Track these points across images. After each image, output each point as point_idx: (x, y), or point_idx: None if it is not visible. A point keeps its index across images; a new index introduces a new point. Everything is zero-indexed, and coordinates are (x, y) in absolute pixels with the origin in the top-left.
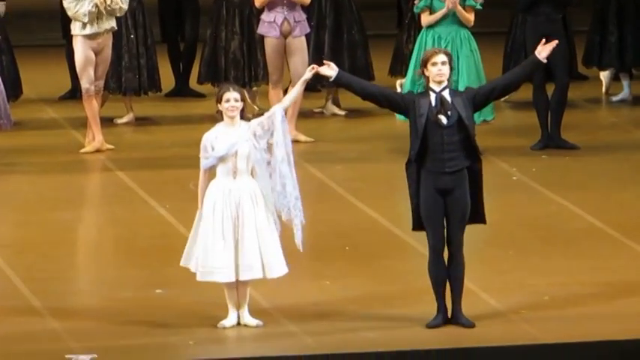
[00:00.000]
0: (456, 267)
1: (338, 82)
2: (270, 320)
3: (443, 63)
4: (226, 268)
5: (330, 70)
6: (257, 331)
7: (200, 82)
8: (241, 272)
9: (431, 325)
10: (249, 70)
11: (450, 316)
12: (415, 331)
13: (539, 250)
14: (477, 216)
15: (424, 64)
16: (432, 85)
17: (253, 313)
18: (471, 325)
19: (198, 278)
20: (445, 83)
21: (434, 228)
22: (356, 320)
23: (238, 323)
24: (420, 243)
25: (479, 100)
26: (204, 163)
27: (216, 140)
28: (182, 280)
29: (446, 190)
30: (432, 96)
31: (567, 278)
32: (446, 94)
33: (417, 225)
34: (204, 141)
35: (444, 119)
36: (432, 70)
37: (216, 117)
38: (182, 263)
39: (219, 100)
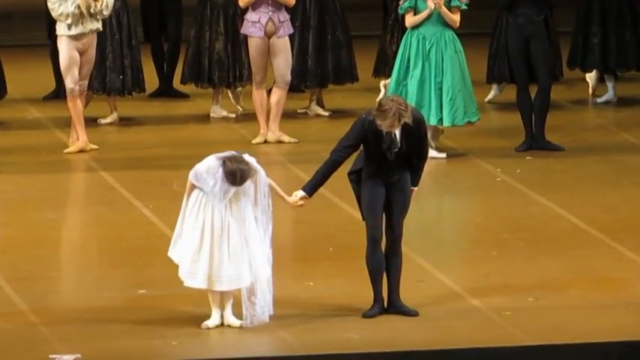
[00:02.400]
0: (394, 256)
1: (312, 194)
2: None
3: (395, 127)
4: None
5: (302, 200)
6: (240, 331)
7: (183, 82)
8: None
9: (367, 315)
10: (234, 71)
11: (387, 306)
12: (398, 331)
13: (523, 252)
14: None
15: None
16: None
17: (236, 313)
18: (415, 314)
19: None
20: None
21: (374, 218)
22: (340, 321)
23: (222, 324)
24: (404, 244)
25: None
26: (195, 182)
27: (217, 183)
28: (166, 281)
29: (389, 184)
30: (385, 133)
31: (551, 279)
32: (397, 131)
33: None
34: (204, 174)
35: (391, 155)
36: (382, 125)
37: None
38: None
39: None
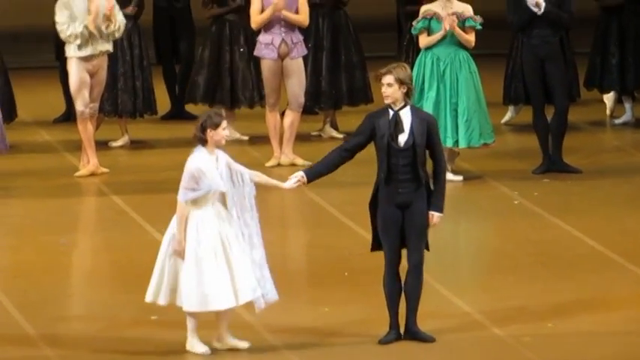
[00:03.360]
0: (414, 282)
1: (311, 180)
2: (266, 347)
3: (388, 85)
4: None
5: (300, 182)
6: (253, 356)
7: (195, 101)
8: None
9: (383, 342)
10: (259, 90)
11: (404, 332)
12: (415, 358)
13: (541, 276)
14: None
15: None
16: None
17: (248, 340)
18: (432, 340)
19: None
20: (403, 102)
21: (390, 241)
22: (355, 348)
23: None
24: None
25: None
26: (192, 195)
27: (206, 171)
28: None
29: (404, 203)
30: (390, 114)
31: (570, 304)
32: (404, 113)
33: (375, 245)
34: (195, 171)
35: (400, 142)
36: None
37: (194, 141)
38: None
39: (213, 127)
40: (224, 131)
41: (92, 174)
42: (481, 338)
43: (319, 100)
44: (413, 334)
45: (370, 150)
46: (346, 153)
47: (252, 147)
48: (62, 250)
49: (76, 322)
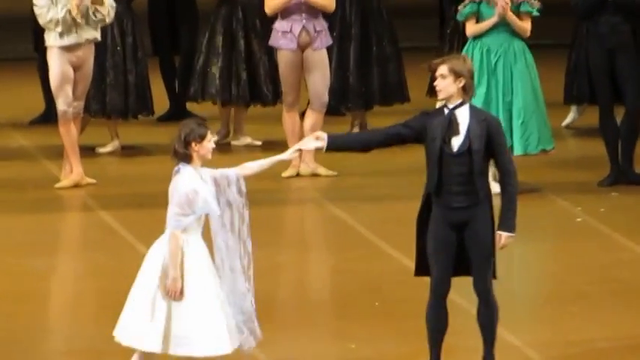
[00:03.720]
0: (486, 311)
1: (331, 149)
2: None
3: (441, 76)
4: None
5: (318, 141)
6: None
7: (200, 98)
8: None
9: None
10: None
11: None
12: None
13: (609, 307)
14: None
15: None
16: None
17: None
18: None
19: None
20: (460, 99)
21: (440, 267)
22: None
23: None
24: (464, 298)
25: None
26: (185, 222)
27: (200, 192)
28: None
29: (460, 222)
30: (445, 113)
31: None
32: (461, 112)
33: (421, 269)
34: (190, 193)
35: (453, 146)
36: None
37: (174, 158)
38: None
39: (198, 139)
40: (209, 143)
41: (76, 185)
42: None
43: (346, 99)
44: None
45: (406, 158)
46: (382, 137)
47: (266, 154)
48: (39, 275)
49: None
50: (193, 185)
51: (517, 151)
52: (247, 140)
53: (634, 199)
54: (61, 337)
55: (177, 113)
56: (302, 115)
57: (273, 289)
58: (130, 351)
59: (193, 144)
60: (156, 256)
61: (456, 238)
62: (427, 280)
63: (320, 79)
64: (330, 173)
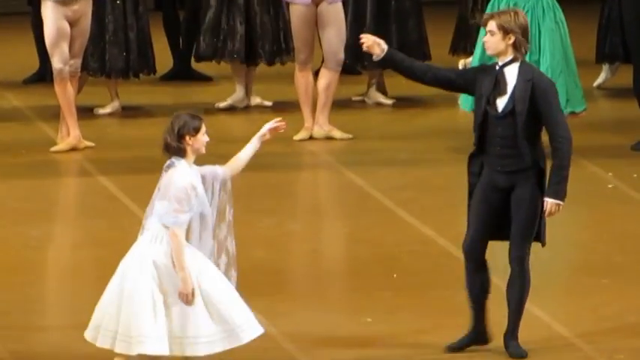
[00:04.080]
0: (513, 281)
1: (384, 63)
2: None
3: (490, 32)
4: None
5: (379, 47)
6: None
7: (200, 58)
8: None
9: (452, 347)
10: (283, 43)
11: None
12: None
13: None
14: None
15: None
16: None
17: (271, 355)
18: (522, 356)
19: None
20: (510, 56)
21: (472, 227)
22: None
23: None
24: (493, 270)
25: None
26: (183, 219)
27: (198, 187)
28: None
29: (505, 188)
30: (495, 71)
31: None
32: (510, 70)
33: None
34: (190, 188)
35: (498, 106)
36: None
37: (166, 152)
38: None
39: (192, 132)
40: (204, 137)
41: (73, 149)
42: (563, 354)
43: (362, 57)
44: (506, 346)
45: (426, 120)
46: (436, 75)
47: (277, 114)
48: (34, 245)
49: (51, 335)
50: (191, 180)
51: None
52: (257, 100)
53: None
54: (58, 310)
55: (181, 72)
56: (316, 74)
57: (284, 258)
58: None
59: (187, 137)
60: (142, 258)
61: (499, 201)
62: (449, 249)
63: (335, 36)
64: (344, 136)
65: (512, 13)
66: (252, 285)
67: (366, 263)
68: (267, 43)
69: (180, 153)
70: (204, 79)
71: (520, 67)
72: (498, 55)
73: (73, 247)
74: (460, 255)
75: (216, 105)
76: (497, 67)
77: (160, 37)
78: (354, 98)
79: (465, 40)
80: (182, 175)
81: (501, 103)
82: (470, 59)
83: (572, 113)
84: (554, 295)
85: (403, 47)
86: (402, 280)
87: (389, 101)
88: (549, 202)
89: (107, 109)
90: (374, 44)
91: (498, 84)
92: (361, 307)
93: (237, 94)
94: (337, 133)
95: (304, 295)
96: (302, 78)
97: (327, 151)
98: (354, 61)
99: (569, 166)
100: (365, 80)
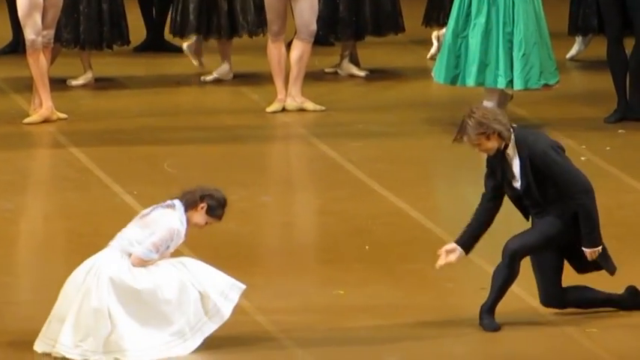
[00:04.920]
0: (499, 271)
1: (469, 251)
2: (265, 338)
3: (475, 146)
4: None
5: (455, 253)
6: (248, 350)
7: (176, 33)
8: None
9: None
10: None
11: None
12: (447, 353)
13: (613, 252)
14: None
15: None
16: None
17: (244, 329)
18: (494, 329)
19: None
20: (502, 144)
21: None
22: (376, 340)
23: None
24: (485, 260)
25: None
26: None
27: (180, 239)
28: None
29: None
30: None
31: None
32: (510, 153)
33: None
34: (176, 233)
35: (517, 187)
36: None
37: (181, 198)
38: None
39: (211, 214)
40: (209, 223)
41: (46, 120)
42: (538, 330)
43: (336, 29)
44: (480, 314)
45: (400, 92)
46: (490, 203)
47: (250, 88)
48: (7, 217)
49: (24, 307)
50: (181, 228)
51: (517, 85)
52: (232, 74)
53: None
54: (30, 283)
55: (154, 43)
56: (288, 45)
57: (256, 231)
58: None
59: (202, 206)
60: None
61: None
62: (422, 222)
63: (308, 7)
64: (317, 108)
65: (471, 121)
66: (224, 257)
67: (338, 236)
68: (248, 14)
69: (189, 207)
70: (178, 50)
71: (517, 144)
72: (497, 150)
73: (45, 219)
74: (433, 227)
75: (202, 78)
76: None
77: (133, 9)
78: (326, 70)
79: (438, 11)
80: (177, 220)
81: (516, 184)
82: (443, 31)
83: (546, 85)
84: (527, 268)
85: (377, 19)
86: (374, 253)
87: (362, 73)
88: (587, 252)
89: (80, 81)
90: (450, 257)
91: (506, 171)
92: (333, 279)
93: (223, 67)
94: (310, 105)
95: (277, 268)
96: (274, 49)
97: (300, 123)
98: (327, 32)
99: (596, 215)
100: (338, 52)
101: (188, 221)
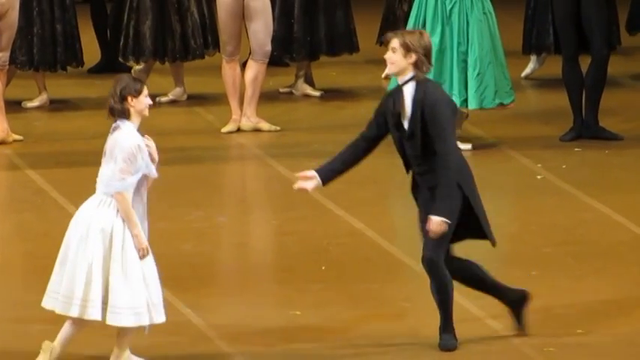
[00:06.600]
0: (435, 288)
1: (328, 182)
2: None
3: (392, 49)
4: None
5: (313, 181)
6: None
7: (126, 57)
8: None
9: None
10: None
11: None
12: None
13: (570, 270)
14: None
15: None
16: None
17: (200, 349)
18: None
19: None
20: (409, 75)
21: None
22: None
23: None
24: (415, 260)
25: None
26: (129, 181)
27: (143, 149)
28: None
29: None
30: (395, 93)
31: (607, 306)
32: (407, 90)
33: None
34: (135, 149)
35: (405, 128)
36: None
37: (110, 115)
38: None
39: (135, 94)
40: (146, 99)
41: (1, 142)
42: (494, 348)
43: (290, 49)
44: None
45: (354, 112)
46: (364, 144)
47: (205, 108)
48: None
49: None
50: (137, 140)
51: (472, 104)
52: (185, 96)
53: (598, 154)
54: None
55: (108, 65)
56: (243, 65)
57: (212, 251)
58: (56, 317)
59: (129, 98)
60: (90, 222)
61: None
62: (378, 242)
63: (262, 27)
64: (272, 128)
65: (417, 33)
66: (180, 278)
67: (294, 256)
68: (198, 37)
69: (124, 115)
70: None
71: (416, 86)
72: (398, 73)
73: (1, 240)
74: (389, 246)
75: (158, 99)
76: (397, 87)
77: (87, 30)
78: (281, 90)
79: (392, 30)
80: (127, 136)
81: (406, 124)
82: None
83: (501, 105)
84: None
85: (331, 39)
86: (330, 273)
87: (317, 93)
88: (432, 221)
89: (35, 103)
90: (307, 183)
91: (398, 105)
92: (290, 300)
93: (178, 90)
94: (265, 126)
95: (233, 289)
96: (230, 70)
97: (255, 144)
98: (282, 52)
99: (448, 185)
100: (293, 72)
101: (138, 124)
